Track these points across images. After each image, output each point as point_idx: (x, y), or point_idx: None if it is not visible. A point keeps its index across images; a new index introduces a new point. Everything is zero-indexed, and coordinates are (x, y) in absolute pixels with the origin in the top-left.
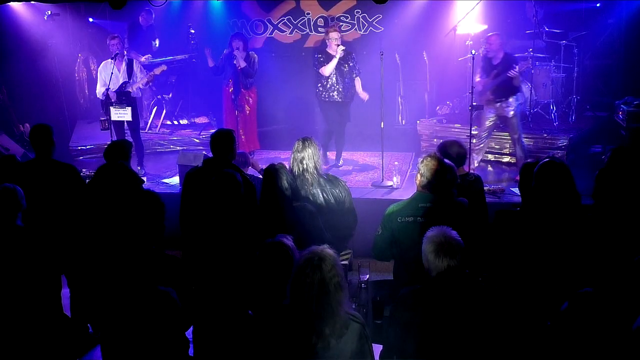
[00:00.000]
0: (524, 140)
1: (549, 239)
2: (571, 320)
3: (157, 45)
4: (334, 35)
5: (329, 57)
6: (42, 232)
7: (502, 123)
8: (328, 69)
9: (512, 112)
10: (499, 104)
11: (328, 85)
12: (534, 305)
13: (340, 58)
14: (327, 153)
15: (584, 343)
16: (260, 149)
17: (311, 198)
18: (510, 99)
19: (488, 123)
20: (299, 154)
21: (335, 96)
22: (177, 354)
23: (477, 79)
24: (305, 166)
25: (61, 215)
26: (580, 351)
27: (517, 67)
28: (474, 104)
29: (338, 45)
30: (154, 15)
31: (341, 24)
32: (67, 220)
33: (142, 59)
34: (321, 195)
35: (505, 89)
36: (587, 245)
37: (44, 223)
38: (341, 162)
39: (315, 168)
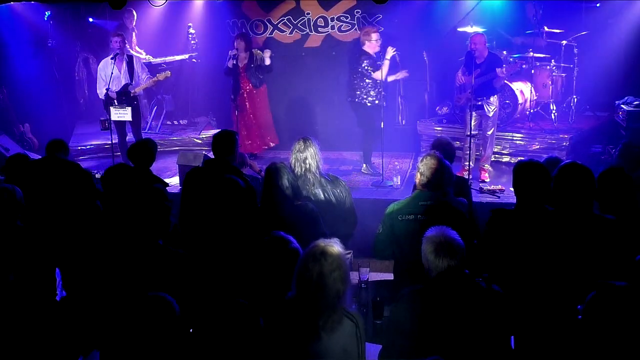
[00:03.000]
0: (521, 141)
1: (553, 240)
2: (599, 311)
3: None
4: (376, 36)
5: (374, 60)
6: (42, 231)
7: (482, 122)
8: (384, 73)
9: (492, 112)
10: (480, 102)
11: (377, 90)
12: (532, 304)
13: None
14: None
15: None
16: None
17: (312, 198)
18: (492, 99)
19: (473, 122)
20: (301, 154)
21: (382, 101)
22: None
23: (460, 75)
24: (307, 166)
25: (69, 212)
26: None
27: (504, 67)
28: (473, 103)
29: (384, 47)
30: (135, 17)
31: (340, 24)
32: (74, 217)
33: (143, 59)
34: (322, 195)
35: (486, 88)
36: (596, 246)
37: (49, 220)
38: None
39: (317, 168)
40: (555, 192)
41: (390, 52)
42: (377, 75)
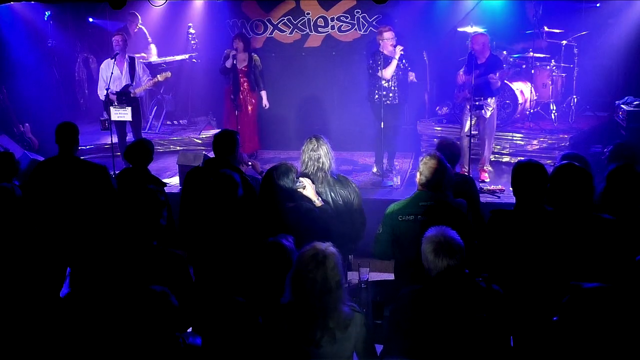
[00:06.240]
0: (521, 141)
1: (550, 240)
2: (573, 315)
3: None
4: (388, 35)
5: (387, 59)
6: (44, 230)
7: (479, 123)
8: (389, 72)
9: (489, 113)
10: (477, 103)
11: (385, 88)
12: (531, 304)
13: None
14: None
15: (588, 339)
16: (260, 149)
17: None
18: (489, 100)
19: (472, 122)
20: (314, 153)
21: (391, 100)
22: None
23: (461, 74)
24: (320, 164)
25: (80, 213)
26: (584, 348)
27: (497, 73)
28: (476, 103)
29: (395, 46)
30: (139, 19)
31: (340, 24)
32: (85, 218)
33: (152, 56)
34: (329, 195)
35: (484, 89)
36: (593, 246)
37: (59, 220)
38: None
39: (330, 167)
40: (552, 192)
41: (398, 51)
42: (384, 73)
